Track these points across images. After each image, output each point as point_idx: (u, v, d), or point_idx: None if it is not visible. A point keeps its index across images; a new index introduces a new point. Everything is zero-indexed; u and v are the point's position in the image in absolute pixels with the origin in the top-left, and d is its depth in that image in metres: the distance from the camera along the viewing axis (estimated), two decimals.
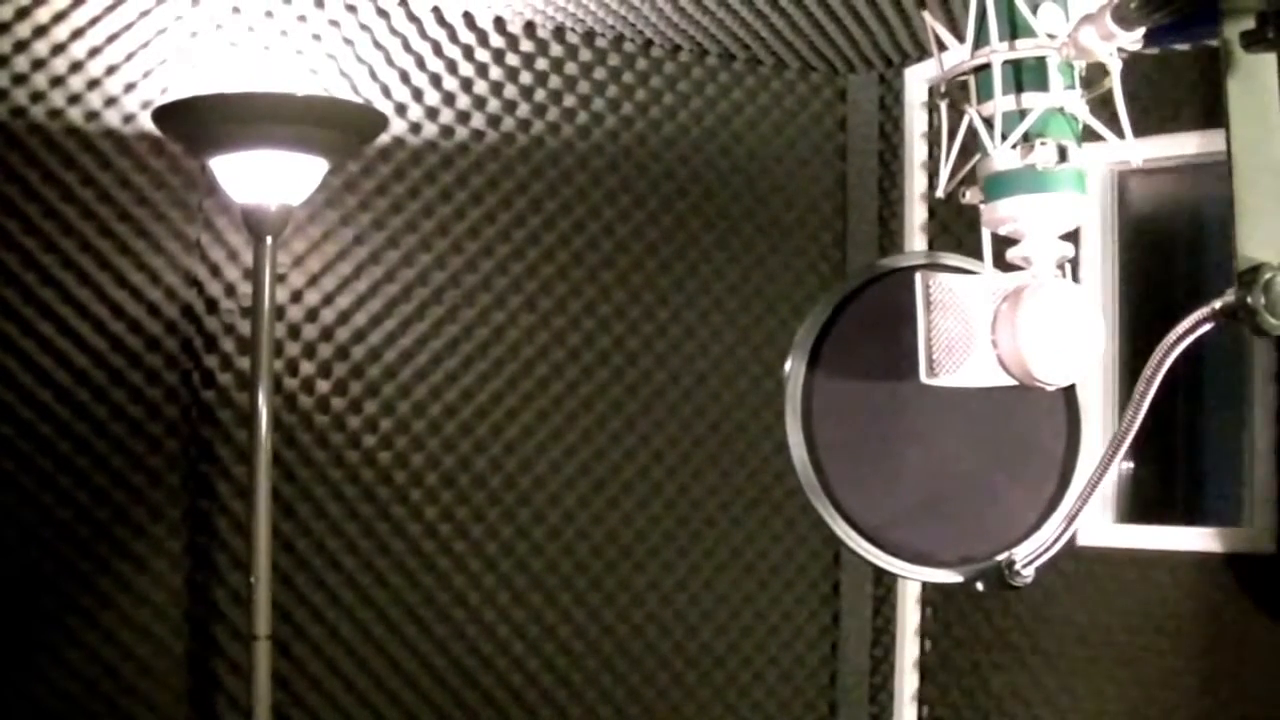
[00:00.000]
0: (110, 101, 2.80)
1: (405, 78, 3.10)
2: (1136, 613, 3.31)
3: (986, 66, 1.33)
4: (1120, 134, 1.35)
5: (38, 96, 2.74)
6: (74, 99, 2.77)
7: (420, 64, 3.12)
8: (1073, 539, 3.25)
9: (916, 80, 3.47)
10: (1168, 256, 3.46)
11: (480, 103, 3.18)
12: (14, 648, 2.75)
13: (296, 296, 3.00)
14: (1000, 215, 1.35)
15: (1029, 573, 1.49)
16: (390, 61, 3.08)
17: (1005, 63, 1.32)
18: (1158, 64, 3.09)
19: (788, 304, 3.50)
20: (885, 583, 3.52)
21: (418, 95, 3.12)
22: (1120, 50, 1.30)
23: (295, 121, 2.55)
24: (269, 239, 2.65)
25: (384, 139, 3.05)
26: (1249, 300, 1.19)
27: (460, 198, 3.16)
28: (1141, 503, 3.41)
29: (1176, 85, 3.19)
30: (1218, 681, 3.26)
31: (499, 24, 3.20)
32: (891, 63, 3.47)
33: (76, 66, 2.77)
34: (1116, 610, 3.32)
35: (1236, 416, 3.26)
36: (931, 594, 3.44)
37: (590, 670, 3.31)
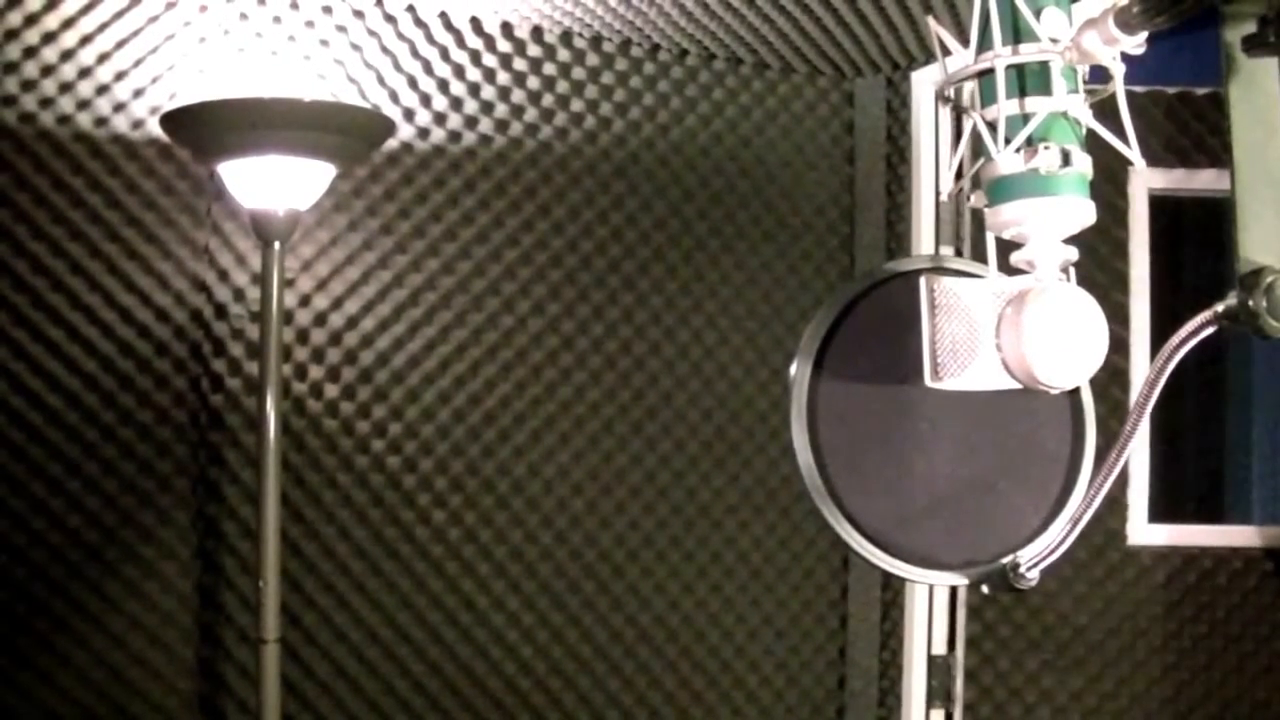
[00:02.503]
0: (119, 107, 2.81)
1: (413, 83, 3.11)
2: (1177, 612, 3.34)
3: (990, 71, 1.34)
4: (1126, 140, 1.35)
5: (46, 102, 2.75)
6: (82, 105, 2.78)
7: (428, 69, 3.13)
8: (1121, 537, 3.31)
9: (923, 84, 3.47)
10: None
11: (488, 108, 3.19)
12: (22, 651, 2.75)
13: (305, 301, 3.01)
14: (1004, 219, 1.35)
15: (1034, 575, 1.50)
16: (398, 67, 3.09)
17: (1008, 67, 1.32)
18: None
19: (795, 308, 3.50)
20: (893, 586, 3.52)
21: (425, 100, 3.12)
22: (1123, 54, 1.31)
23: (303, 127, 2.55)
24: (277, 244, 2.65)
25: (392, 144, 3.06)
26: (1250, 303, 1.19)
27: (468, 202, 3.17)
28: (1182, 500, 3.45)
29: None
30: (1264, 679, 3.29)
31: (506, 29, 3.20)
32: (899, 66, 3.47)
33: (85, 72, 2.78)
34: (1158, 609, 3.35)
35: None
36: (972, 596, 3.45)
37: (598, 674, 3.32)
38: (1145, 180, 3.31)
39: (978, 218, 1.47)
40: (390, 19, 3.08)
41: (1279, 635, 3.31)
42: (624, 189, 3.34)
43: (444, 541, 3.14)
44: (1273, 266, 1.19)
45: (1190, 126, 3.38)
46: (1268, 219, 1.21)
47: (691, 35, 3.24)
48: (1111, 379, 3.23)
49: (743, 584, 3.48)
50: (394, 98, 3.09)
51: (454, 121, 3.15)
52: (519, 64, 3.22)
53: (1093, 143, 1.35)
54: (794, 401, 1.51)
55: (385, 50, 3.08)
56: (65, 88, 2.76)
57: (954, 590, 3.42)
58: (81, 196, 2.79)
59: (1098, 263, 3.31)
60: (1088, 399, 1.57)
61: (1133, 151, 1.33)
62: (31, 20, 2.74)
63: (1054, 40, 1.30)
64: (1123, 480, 3.34)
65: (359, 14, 3.04)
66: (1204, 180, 3.34)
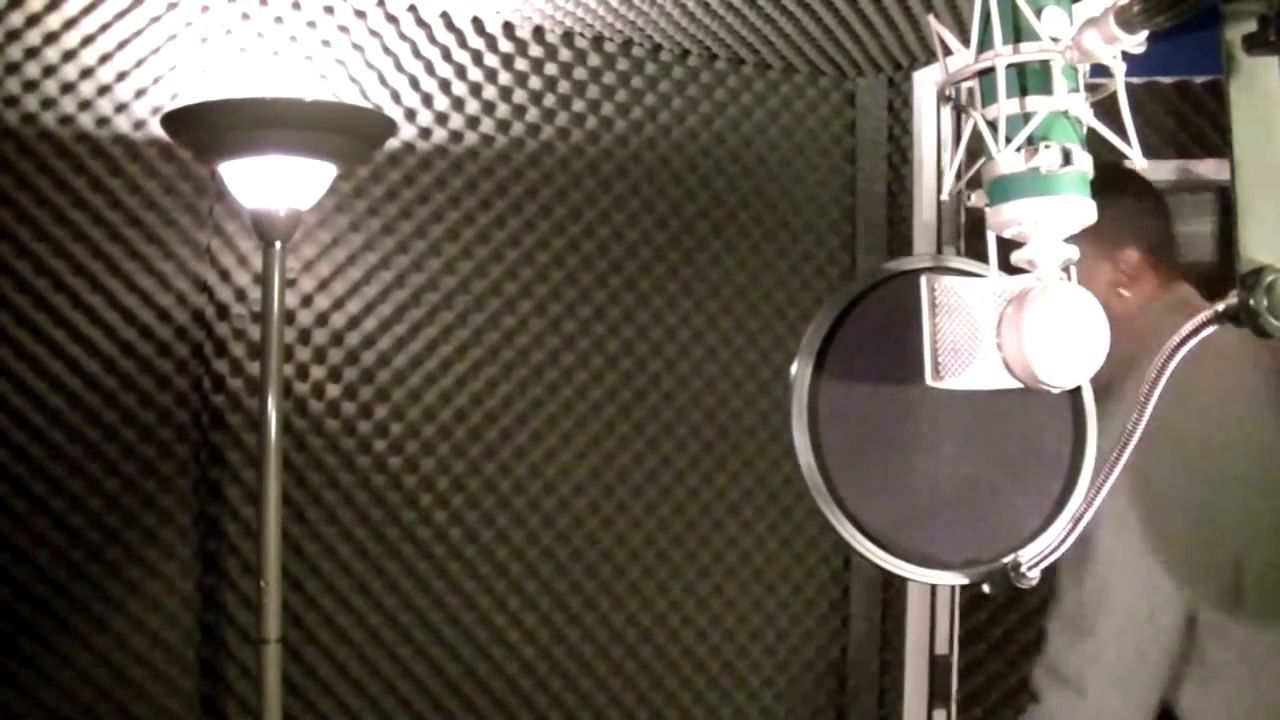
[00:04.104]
0: (120, 108, 2.81)
1: (414, 83, 3.11)
2: None
3: (991, 70, 1.33)
4: (1126, 139, 1.35)
5: (48, 103, 2.75)
6: (84, 105, 2.78)
7: (429, 69, 3.13)
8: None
9: (925, 84, 3.47)
10: None
11: (489, 108, 3.19)
12: (24, 651, 2.76)
13: (306, 301, 3.01)
14: (1005, 218, 1.35)
15: (1035, 574, 1.49)
16: (399, 67, 3.09)
17: (1009, 66, 1.32)
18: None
19: (796, 308, 3.50)
20: (895, 586, 3.52)
21: (427, 100, 3.13)
22: (1124, 53, 1.30)
23: (304, 127, 2.55)
24: (278, 244, 2.65)
25: (393, 144, 3.06)
26: (1251, 302, 1.19)
27: (469, 203, 3.17)
28: None
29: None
30: None
31: (508, 29, 3.20)
32: (900, 66, 3.47)
33: (87, 73, 2.78)
34: None
35: None
36: (964, 595, 3.44)
37: (599, 675, 3.32)
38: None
39: (971, 218, 1.46)
40: (392, 19, 3.08)
41: None
42: (626, 189, 3.34)
43: (446, 541, 3.14)
44: (1273, 265, 1.19)
45: (1188, 119, 3.33)
46: (1268, 218, 1.20)
47: (693, 35, 3.24)
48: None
49: (745, 584, 3.48)
50: (395, 98, 3.09)
51: (456, 121, 3.16)
52: (521, 64, 3.23)
53: (1089, 139, 1.35)
54: (795, 401, 1.50)
55: (387, 50, 3.08)
56: (67, 88, 2.77)
57: (954, 590, 3.42)
58: (83, 197, 2.79)
59: None
60: (1089, 399, 1.56)
61: (1134, 150, 1.33)
62: (33, 21, 2.74)
63: (1055, 39, 1.30)
64: None
65: (361, 14, 3.05)
66: (1201, 172, 3.29)
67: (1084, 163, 1.32)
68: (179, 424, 2.90)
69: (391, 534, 3.08)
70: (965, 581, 1.54)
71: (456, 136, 3.15)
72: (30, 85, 2.73)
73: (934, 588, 3.40)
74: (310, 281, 3.01)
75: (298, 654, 2.98)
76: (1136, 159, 1.33)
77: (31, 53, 2.74)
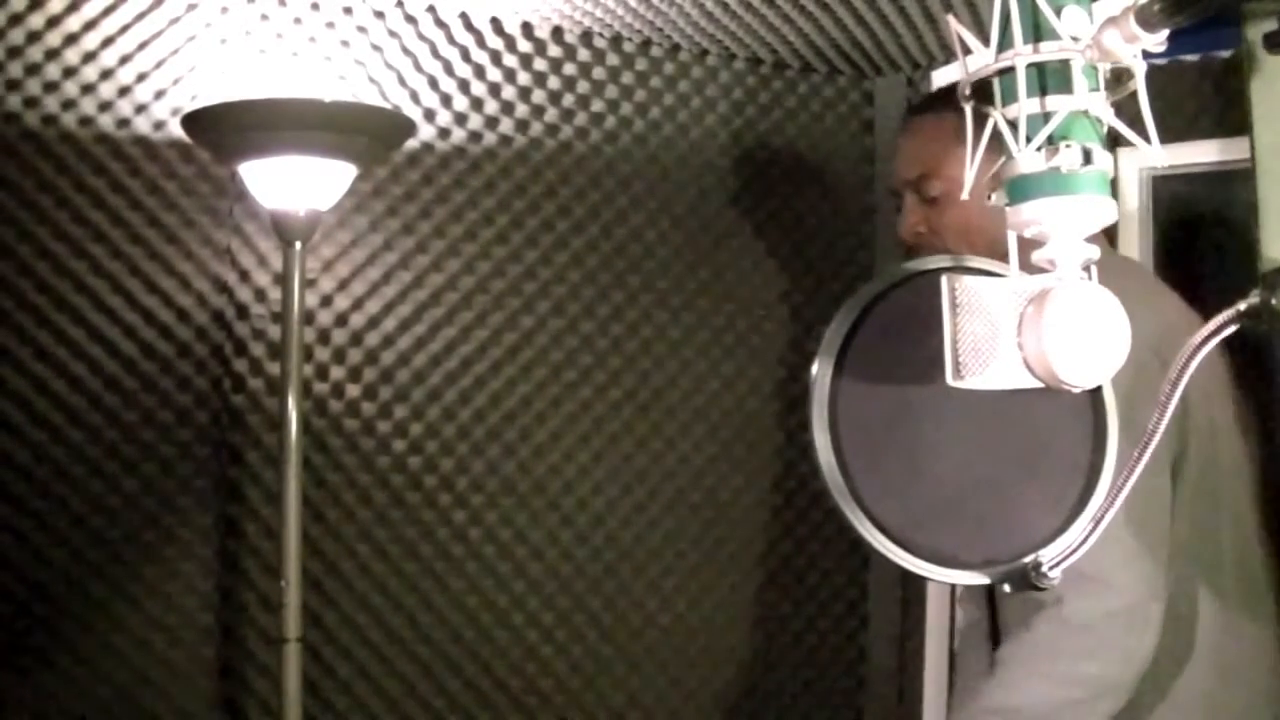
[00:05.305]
0: (140, 109, 2.82)
1: (434, 83, 3.11)
2: None
3: (1010, 69, 1.34)
4: (1146, 138, 1.34)
5: (68, 104, 2.76)
6: (104, 106, 2.79)
7: (448, 69, 3.13)
8: None
9: (943, 83, 3.46)
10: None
11: (508, 108, 3.19)
12: (44, 651, 2.76)
13: (326, 301, 3.01)
14: (1025, 218, 1.35)
15: (1056, 574, 1.50)
16: (418, 67, 3.10)
17: (1029, 66, 1.32)
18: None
19: (814, 308, 3.50)
20: (913, 585, 3.51)
21: (446, 101, 3.13)
22: (1145, 53, 1.30)
23: (323, 127, 2.56)
24: (298, 244, 2.66)
25: (412, 144, 3.06)
26: (1273, 302, 1.19)
27: (488, 203, 3.17)
28: None
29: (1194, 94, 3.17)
30: None
31: (526, 29, 3.21)
32: (919, 65, 3.46)
33: (106, 74, 2.79)
34: None
35: None
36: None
37: (618, 674, 3.32)
38: (1138, 160, 3.06)
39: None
40: (411, 20, 3.09)
41: None
42: (644, 188, 3.34)
43: (465, 541, 3.14)
44: None
45: (1184, 101, 3.20)
46: None
47: (711, 35, 3.24)
48: None
49: (762, 584, 3.48)
50: (415, 98, 3.09)
51: (474, 122, 3.16)
52: (539, 64, 3.23)
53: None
54: (815, 402, 1.51)
55: (406, 51, 3.08)
56: (87, 89, 2.77)
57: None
58: (103, 198, 2.80)
59: None
60: (1109, 398, 1.56)
61: (1154, 149, 1.33)
62: (53, 22, 2.74)
63: (1075, 38, 1.30)
64: None
65: (380, 15, 3.05)
66: (1204, 154, 3.11)
67: (1104, 162, 1.32)
68: (199, 424, 2.90)
69: (410, 533, 3.09)
70: (985, 581, 1.54)
71: (475, 136, 3.16)
72: (50, 86, 2.74)
73: (953, 586, 3.40)
74: (330, 282, 3.02)
75: (317, 653, 2.98)
76: (1156, 155, 1.33)
77: (52, 54, 2.74)
